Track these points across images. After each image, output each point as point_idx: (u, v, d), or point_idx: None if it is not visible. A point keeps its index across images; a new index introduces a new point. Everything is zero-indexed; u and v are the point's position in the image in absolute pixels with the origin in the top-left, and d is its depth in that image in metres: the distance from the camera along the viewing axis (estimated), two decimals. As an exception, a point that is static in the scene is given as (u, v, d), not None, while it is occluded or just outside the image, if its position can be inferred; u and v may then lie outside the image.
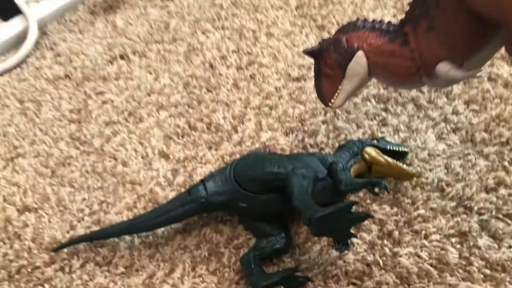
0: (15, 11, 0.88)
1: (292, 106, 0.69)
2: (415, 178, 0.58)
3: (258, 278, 0.50)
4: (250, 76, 0.75)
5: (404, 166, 0.57)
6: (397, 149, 0.59)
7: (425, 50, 0.45)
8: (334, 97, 0.53)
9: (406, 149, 0.59)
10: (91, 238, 0.57)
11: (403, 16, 0.47)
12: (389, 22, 0.49)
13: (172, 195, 0.61)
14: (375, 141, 0.59)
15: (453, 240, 0.53)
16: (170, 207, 0.55)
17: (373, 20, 0.50)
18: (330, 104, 0.54)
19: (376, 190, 0.54)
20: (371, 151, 0.57)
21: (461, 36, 0.42)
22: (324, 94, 0.54)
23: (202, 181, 0.55)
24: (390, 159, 0.57)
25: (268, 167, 0.53)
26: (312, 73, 0.73)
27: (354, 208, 0.47)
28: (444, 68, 0.44)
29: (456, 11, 0.41)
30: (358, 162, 0.57)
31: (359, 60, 0.50)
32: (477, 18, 0.41)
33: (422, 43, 0.45)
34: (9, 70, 0.82)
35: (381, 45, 0.48)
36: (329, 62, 0.52)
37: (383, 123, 0.65)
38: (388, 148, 0.58)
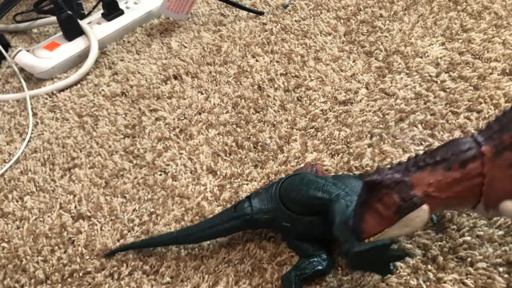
0: (79, 32, 0.94)
1: (338, 129, 0.70)
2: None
3: None
4: (297, 98, 0.77)
5: None
6: None
7: (498, 182, 0.42)
8: (374, 238, 0.47)
9: None
10: (141, 245, 0.60)
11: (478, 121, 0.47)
12: (429, 152, 0.46)
13: (218, 210, 0.63)
14: None
15: (501, 269, 0.52)
16: (217, 221, 0.57)
17: (415, 156, 0.46)
18: (366, 240, 0.47)
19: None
20: None
21: None
22: (364, 229, 0.47)
23: (248, 198, 0.57)
24: None
25: (312, 191, 0.54)
26: (359, 97, 0.74)
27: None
28: (511, 207, 0.42)
29: None
30: None
31: (423, 216, 0.45)
32: None
33: (497, 174, 0.42)
34: (70, 86, 0.88)
35: (441, 180, 0.44)
36: (386, 201, 0.46)
37: (430, 149, 0.65)
38: None
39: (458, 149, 0.44)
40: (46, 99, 0.86)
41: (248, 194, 0.59)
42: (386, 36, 0.84)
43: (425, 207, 0.45)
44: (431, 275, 0.53)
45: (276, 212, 0.55)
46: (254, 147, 0.71)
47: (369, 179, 0.46)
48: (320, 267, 0.53)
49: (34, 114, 0.84)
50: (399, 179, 0.46)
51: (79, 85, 0.88)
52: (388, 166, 0.48)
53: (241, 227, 0.57)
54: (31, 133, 0.80)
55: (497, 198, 0.42)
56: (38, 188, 0.71)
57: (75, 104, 0.84)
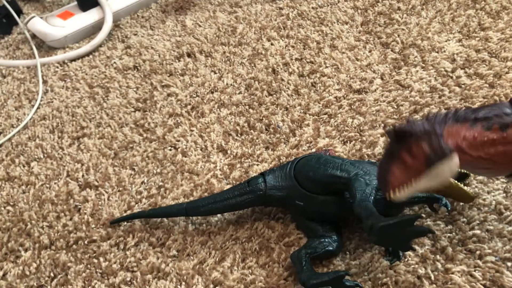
0: (94, 3, 0.93)
1: (351, 116, 0.70)
2: (472, 199, 0.58)
3: (308, 275, 0.51)
4: (312, 84, 0.76)
5: (465, 188, 0.57)
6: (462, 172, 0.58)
7: None
8: (400, 189, 0.45)
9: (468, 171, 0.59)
10: (149, 215, 0.59)
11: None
12: (472, 109, 0.44)
13: (227, 188, 0.63)
14: None
15: (509, 264, 0.52)
16: (229, 195, 0.57)
17: (455, 110, 0.44)
18: (391, 194, 0.46)
19: (435, 206, 0.54)
20: None
21: None
22: (391, 181, 0.46)
23: (262, 174, 0.57)
24: (451, 179, 0.57)
25: (331, 170, 0.53)
26: (374, 87, 0.74)
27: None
28: None
29: None
30: None
31: (452, 165, 0.43)
32: None
33: None
34: (82, 57, 0.87)
35: (478, 137, 0.42)
36: (415, 151, 0.44)
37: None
38: None
39: (501, 112, 0.42)
40: (57, 67, 0.85)
41: (263, 171, 0.59)
42: (403, 29, 0.84)
43: (455, 158, 0.42)
44: (439, 265, 0.52)
45: (290, 190, 0.55)
46: (266, 129, 0.70)
47: (399, 128, 0.44)
48: (330, 248, 0.53)
49: (44, 82, 0.83)
50: (430, 129, 0.43)
51: (91, 56, 0.87)
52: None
53: (254, 202, 0.57)
54: (41, 100, 0.79)
55: None
56: (45, 155, 0.71)
57: (86, 74, 0.84)
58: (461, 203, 0.58)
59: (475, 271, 0.52)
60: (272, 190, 0.55)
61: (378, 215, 0.46)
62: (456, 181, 0.56)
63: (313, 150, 0.66)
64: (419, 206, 0.58)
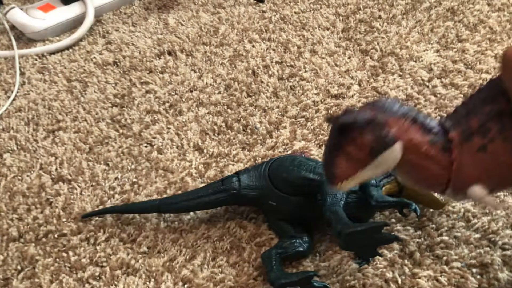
0: (76, -4, 0.92)
1: (328, 121, 0.71)
2: (442, 206, 0.59)
3: (276, 275, 0.51)
4: (290, 87, 0.77)
5: (436, 194, 0.58)
6: None
7: (467, 168, 0.40)
8: (346, 180, 0.44)
9: None
10: (121, 210, 0.59)
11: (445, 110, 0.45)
12: (431, 118, 0.43)
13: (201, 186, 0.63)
14: None
15: (474, 270, 0.53)
16: (202, 192, 0.57)
17: (412, 109, 0.43)
18: (338, 185, 0.44)
19: (405, 211, 0.55)
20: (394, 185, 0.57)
21: (509, 168, 0.39)
22: (337, 173, 0.44)
23: (237, 173, 0.57)
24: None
25: (304, 172, 0.54)
26: (351, 93, 0.75)
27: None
28: (479, 192, 0.40)
29: None
30: (390, 182, 0.58)
31: (395, 154, 0.42)
32: None
33: (466, 159, 0.40)
34: (61, 50, 0.86)
35: (420, 144, 0.41)
36: (359, 142, 0.42)
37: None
38: None
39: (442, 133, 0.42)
40: (36, 60, 0.84)
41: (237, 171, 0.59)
42: (382, 37, 0.85)
43: (398, 145, 0.41)
44: (406, 270, 0.53)
45: (264, 190, 0.55)
46: (243, 130, 0.71)
47: (341, 121, 0.42)
48: (301, 249, 0.53)
49: (22, 74, 0.82)
50: (371, 118, 0.42)
51: (70, 50, 0.86)
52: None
53: (227, 201, 0.57)
54: (17, 92, 0.78)
55: (466, 183, 0.41)
56: (19, 147, 0.70)
57: (65, 68, 0.83)
58: (431, 210, 0.59)
59: (441, 276, 0.53)
60: (246, 190, 0.56)
61: (347, 221, 0.47)
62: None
63: (289, 152, 0.67)
64: (390, 211, 0.59)
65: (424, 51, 0.81)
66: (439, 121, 0.43)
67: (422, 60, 0.79)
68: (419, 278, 0.52)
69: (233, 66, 0.82)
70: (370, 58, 0.82)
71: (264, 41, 0.87)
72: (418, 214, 0.54)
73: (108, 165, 0.67)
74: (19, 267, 0.56)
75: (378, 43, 0.84)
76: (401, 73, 0.78)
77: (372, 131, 0.42)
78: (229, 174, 0.64)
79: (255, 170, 0.57)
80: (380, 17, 0.89)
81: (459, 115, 0.41)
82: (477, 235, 0.56)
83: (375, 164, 0.42)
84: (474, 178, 0.40)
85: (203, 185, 0.63)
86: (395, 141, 0.41)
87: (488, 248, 0.55)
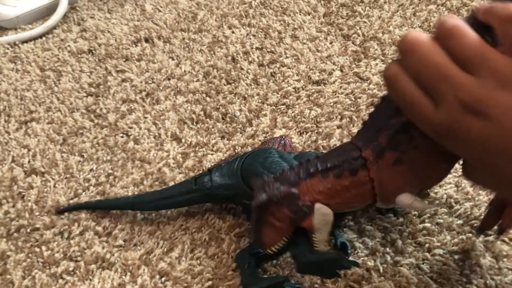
0: (48, -18, 0.89)
1: (309, 108, 0.69)
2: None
3: (248, 279, 0.50)
4: (271, 74, 0.75)
5: None
6: None
7: (387, 181, 0.41)
8: (276, 246, 0.47)
9: None
10: (95, 206, 0.57)
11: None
12: (320, 158, 0.45)
13: (179, 177, 0.61)
14: None
15: (456, 256, 0.52)
16: (176, 192, 0.55)
17: (307, 161, 0.45)
18: (269, 251, 0.47)
19: (383, 210, 0.54)
20: None
21: (428, 173, 0.40)
22: (264, 241, 0.47)
23: (210, 171, 0.55)
24: None
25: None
26: (333, 79, 0.73)
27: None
28: (406, 200, 0.41)
29: (428, 150, 0.39)
30: None
31: (322, 211, 0.45)
32: (446, 156, 0.38)
33: (384, 174, 0.41)
34: (34, 38, 0.83)
35: (331, 187, 0.44)
36: (278, 216, 0.46)
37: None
38: None
39: (349, 157, 0.43)
40: (8, 49, 0.82)
41: (210, 166, 0.57)
42: (365, 22, 0.83)
43: (317, 205, 0.44)
44: (388, 258, 0.52)
45: (237, 189, 0.53)
46: (223, 118, 0.69)
47: (256, 202, 0.45)
48: None
49: (-7, 63, 0.79)
50: (285, 192, 0.45)
51: (44, 38, 0.84)
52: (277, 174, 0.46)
53: (200, 200, 0.56)
54: (-12, 82, 0.76)
55: (391, 195, 0.41)
56: (-10, 139, 0.68)
57: (38, 57, 0.80)
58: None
59: (423, 263, 0.52)
60: (219, 189, 0.54)
61: (305, 246, 0.46)
62: None
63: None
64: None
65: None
66: (351, 140, 0.44)
67: (404, 45, 0.78)
68: (401, 266, 0.52)
69: (212, 52, 0.80)
70: (352, 43, 0.80)
71: (244, 27, 0.85)
72: (397, 215, 0.54)
73: (82, 156, 0.65)
74: (-11, 264, 0.54)
75: (360, 28, 0.82)
76: (383, 58, 0.76)
77: (288, 205, 0.45)
78: (208, 164, 0.63)
79: (228, 167, 0.55)
80: (362, 1, 0.88)
81: (369, 132, 0.42)
82: (460, 221, 0.55)
83: (317, 229, 0.45)
84: (397, 189, 0.41)
85: (181, 176, 0.62)
86: (312, 205, 0.44)
87: (470, 234, 0.54)
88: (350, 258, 0.52)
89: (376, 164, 0.41)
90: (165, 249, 0.55)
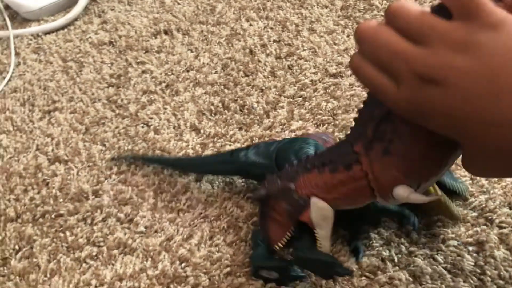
0: (70, -25, 0.91)
1: (325, 100, 0.70)
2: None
3: (257, 256, 0.51)
4: (288, 66, 0.76)
5: (453, 207, 0.54)
6: (457, 189, 0.54)
7: (381, 174, 0.41)
8: (282, 241, 0.49)
9: (465, 193, 0.55)
10: (147, 159, 0.64)
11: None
12: (318, 154, 0.47)
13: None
14: None
15: (470, 248, 0.53)
16: (213, 160, 0.60)
17: (306, 158, 0.47)
18: (276, 247, 0.49)
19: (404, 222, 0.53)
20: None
21: (419, 161, 0.39)
22: (271, 237, 0.50)
23: (247, 148, 0.57)
24: (442, 196, 0.52)
25: None
26: (350, 72, 0.74)
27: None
28: (402, 192, 0.40)
29: (415, 137, 0.38)
30: None
31: (318, 205, 0.45)
32: (436, 143, 0.37)
33: (376, 166, 0.41)
34: (56, 30, 0.85)
35: (327, 181, 0.44)
36: (277, 209, 0.48)
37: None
38: (448, 185, 0.53)
39: (344, 152, 0.43)
40: (31, 40, 0.84)
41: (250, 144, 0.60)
42: (382, 15, 0.84)
43: (314, 199, 0.45)
44: (403, 248, 0.53)
45: (267, 169, 0.54)
46: (240, 110, 0.70)
47: (255, 196, 0.49)
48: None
49: (17, 54, 0.81)
50: (282, 186, 0.47)
51: (66, 30, 0.85)
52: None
53: (232, 172, 0.59)
54: (12, 72, 0.78)
55: (388, 188, 0.41)
56: (15, 128, 0.70)
57: (60, 48, 0.82)
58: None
59: (437, 254, 0.53)
60: (251, 166, 0.55)
61: (305, 239, 0.48)
62: (446, 198, 0.53)
63: (286, 132, 0.66)
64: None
65: (424, 29, 0.80)
66: (345, 137, 0.45)
67: (421, 39, 0.78)
68: (416, 256, 0.53)
69: (230, 45, 0.81)
70: (369, 36, 0.80)
71: (262, 20, 0.86)
72: (416, 229, 0.54)
73: (104, 145, 0.66)
74: (17, 247, 0.56)
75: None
76: (400, 52, 0.77)
77: (285, 198, 0.47)
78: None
79: (265, 147, 0.56)
80: (379, -6, 0.88)
81: (358, 126, 0.42)
82: (474, 214, 0.56)
83: (317, 224, 0.46)
84: (392, 181, 0.41)
85: (200, 165, 0.63)
86: (308, 199, 0.45)
87: (484, 227, 0.55)
88: (357, 260, 0.53)
89: (367, 157, 0.41)
90: (184, 236, 0.56)
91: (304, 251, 0.48)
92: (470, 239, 0.54)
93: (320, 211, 0.46)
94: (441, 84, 0.30)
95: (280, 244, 0.49)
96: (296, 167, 0.47)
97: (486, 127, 0.30)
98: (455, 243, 0.54)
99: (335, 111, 0.68)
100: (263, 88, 0.73)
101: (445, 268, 0.52)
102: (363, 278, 0.52)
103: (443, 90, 0.30)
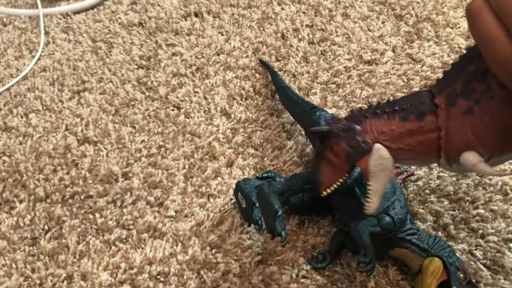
0: (100, -46, 0.89)
1: (360, 87, 0.68)
2: (478, 177, 0.57)
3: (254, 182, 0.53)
4: (321, 52, 0.74)
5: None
6: None
7: (455, 133, 0.38)
8: (332, 187, 0.46)
9: None
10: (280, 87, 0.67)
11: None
12: (390, 101, 0.43)
13: (229, 152, 0.62)
14: (457, 262, 0.47)
15: (511, 244, 0.51)
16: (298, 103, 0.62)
17: (377, 104, 0.44)
18: (323, 193, 0.47)
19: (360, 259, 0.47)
20: (435, 265, 0.46)
21: (501, 131, 0.36)
22: (321, 181, 0.47)
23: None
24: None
25: None
26: (385, 59, 0.72)
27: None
28: (472, 159, 0.37)
29: (506, 102, 0.35)
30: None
31: (381, 153, 0.42)
32: None
33: (453, 124, 0.38)
34: (86, 10, 0.84)
35: (395, 129, 0.41)
36: (336, 149, 0.45)
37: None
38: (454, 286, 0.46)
39: (418, 101, 0.41)
40: (60, 19, 0.83)
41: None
42: (418, 2, 0.81)
43: (377, 145, 0.42)
44: (440, 242, 0.52)
45: None
46: (272, 96, 0.69)
47: (317, 129, 0.46)
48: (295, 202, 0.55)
49: (46, 33, 0.80)
50: (347, 126, 0.44)
51: (95, 10, 0.84)
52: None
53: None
54: (42, 52, 0.77)
55: (457, 150, 0.38)
56: (44, 107, 0.69)
57: (90, 28, 0.81)
58: (466, 181, 0.57)
59: (476, 249, 0.51)
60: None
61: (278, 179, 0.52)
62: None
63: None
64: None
65: (462, 17, 0.77)
66: (429, 88, 0.41)
67: (459, 27, 0.76)
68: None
69: (261, 29, 0.79)
70: (405, 23, 0.78)
71: (294, 4, 0.83)
72: (367, 275, 0.48)
73: (134, 127, 0.66)
74: (46, 227, 0.56)
75: (413, 8, 0.80)
76: (437, 40, 0.74)
77: (347, 139, 0.44)
78: (257, 141, 0.63)
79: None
80: (416, -20, 0.85)
81: (446, 79, 0.39)
82: (515, 210, 0.54)
83: (374, 174, 0.43)
84: (464, 143, 0.37)
85: (230, 150, 0.62)
86: (371, 145, 0.42)
87: (526, 223, 0.53)
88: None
89: (447, 111, 0.38)
90: (215, 222, 0.55)
91: (268, 190, 0.47)
92: (510, 235, 0.52)
93: (380, 160, 0.42)
94: None
95: (329, 190, 0.46)
96: (365, 111, 0.44)
97: None
98: (495, 239, 0.52)
99: (369, 99, 0.67)
100: (295, 73, 0.71)
101: (484, 265, 0.50)
102: (398, 272, 0.51)
103: None
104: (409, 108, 0.41)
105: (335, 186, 0.46)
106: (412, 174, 0.56)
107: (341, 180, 0.45)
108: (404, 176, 0.56)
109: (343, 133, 0.44)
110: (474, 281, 0.47)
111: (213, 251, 0.53)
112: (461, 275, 0.45)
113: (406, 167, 0.56)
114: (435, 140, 0.39)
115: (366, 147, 0.42)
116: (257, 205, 0.51)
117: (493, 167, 0.37)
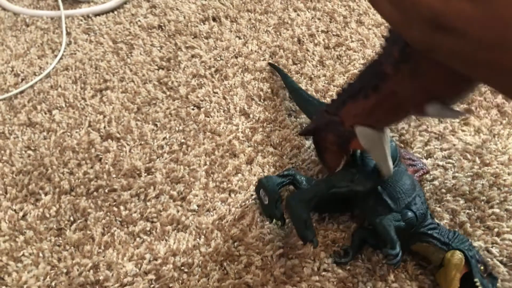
0: (121, -41, 0.92)
1: (375, 91, 0.70)
2: (493, 178, 0.58)
3: (275, 179, 0.55)
4: (337, 56, 0.76)
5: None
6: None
7: (409, 92, 0.42)
8: (341, 166, 0.54)
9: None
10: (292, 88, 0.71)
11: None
12: (353, 83, 0.48)
13: (248, 150, 0.63)
14: (477, 255, 0.48)
15: (526, 242, 0.53)
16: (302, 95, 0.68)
17: (343, 90, 0.50)
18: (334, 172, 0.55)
19: (389, 251, 0.48)
20: (458, 258, 0.47)
21: (448, 82, 0.39)
22: (331, 165, 0.56)
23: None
24: (458, 280, 0.47)
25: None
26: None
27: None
28: (434, 109, 0.41)
29: (431, 59, 0.38)
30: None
31: (364, 132, 0.48)
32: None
33: (406, 85, 0.41)
34: (106, 12, 0.86)
35: (364, 108, 0.46)
36: (328, 140, 0.54)
37: (465, 122, 0.66)
38: (476, 280, 0.46)
39: (370, 74, 0.45)
40: (81, 20, 0.85)
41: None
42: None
43: (358, 128, 0.48)
44: (457, 239, 0.53)
45: None
46: (290, 97, 0.70)
47: (304, 130, 0.59)
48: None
49: (68, 34, 0.82)
50: (329, 120, 0.52)
51: (115, 12, 0.86)
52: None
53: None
54: (64, 51, 0.79)
55: (419, 105, 0.41)
56: (67, 104, 0.71)
57: (110, 30, 0.83)
58: (482, 182, 0.58)
59: (492, 247, 0.53)
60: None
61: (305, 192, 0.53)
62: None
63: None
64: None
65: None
66: (373, 61, 0.45)
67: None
68: (470, 248, 0.52)
69: (278, 33, 0.81)
70: (418, 31, 0.80)
71: (309, 10, 0.86)
72: (394, 267, 0.52)
73: (156, 125, 0.67)
74: (72, 219, 0.57)
75: (425, 16, 0.82)
76: (449, 47, 0.76)
77: (333, 131, 0.52)
78: (276, 140, 0.64)
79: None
80: (428, -10, 0.87)
81: (388, 49, 0.42)
82: (529, 209, 0.55)
83: (369, 148, 0.49)
84: (422, 98, 0.41)
85: (250, 149, 0.64)
86: (353, 129, 0.49)
87: (540, 222, 0.54)
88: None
89: (395, 77, 0.42)
90: (236, 216, 0.57)
91: (295, 200, 0.51)
92: (525, 234, 0.53)
93: (367, 137, 0.48)
94: (450, 30, 0.30)
95: (338, 169, 0.54)
96: (336, 103, 0.50)
97: (498, 75, 0.30)
98: (511, 237, 0.53)
99: (385, 102, 0.68)
100: (312, 76, 0.73)
101: (501, 261, 0.52)
102: (417, 266, 0.52)
103: (452, 38, 0.30)
104: (365, 85, 0.46)
105: (341, 166, 0.54)
106: (428, 172, 0.58)
107: (343, 160, 0.53)
108: (420, 174, 0.57)
109: (328, 127, 0.52)
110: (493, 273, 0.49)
111: (235, 244, 0.54)
112: (482, 267, 0.46)
113: (421, 165, 0.58)
114: (399, 103, 0.44)
115: (349, 133, 0.49)
116: (280, 201, 0.54)
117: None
